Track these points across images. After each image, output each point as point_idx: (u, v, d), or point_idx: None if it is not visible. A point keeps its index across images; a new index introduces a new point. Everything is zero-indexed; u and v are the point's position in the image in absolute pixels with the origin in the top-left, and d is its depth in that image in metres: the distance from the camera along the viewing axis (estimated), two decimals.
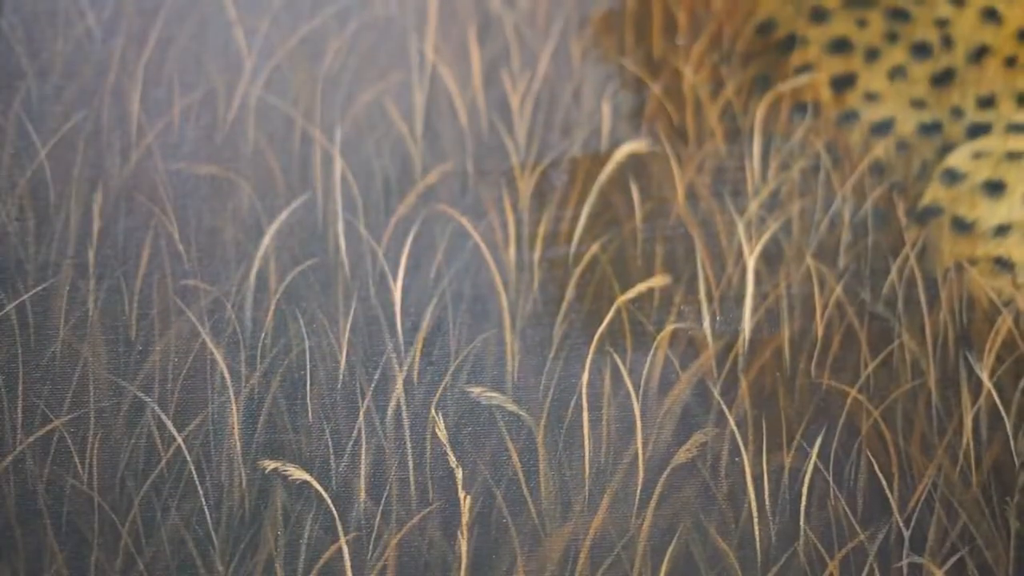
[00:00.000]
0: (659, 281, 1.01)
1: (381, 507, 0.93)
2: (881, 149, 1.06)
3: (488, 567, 0.91)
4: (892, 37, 1.10)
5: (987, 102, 1.07)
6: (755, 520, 0.92)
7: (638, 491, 0.93)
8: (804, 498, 0.93)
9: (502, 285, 1.01)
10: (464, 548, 0.91)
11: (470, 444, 0.95)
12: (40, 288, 0.99)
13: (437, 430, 0.96)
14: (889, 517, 0.92)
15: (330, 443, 0.95)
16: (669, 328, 0.99)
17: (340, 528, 0.92)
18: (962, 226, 1.03)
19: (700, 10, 1.12)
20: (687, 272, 1.01)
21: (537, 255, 1.02)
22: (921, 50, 1.09)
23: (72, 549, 0.90)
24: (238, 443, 0.94)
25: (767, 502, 0.93)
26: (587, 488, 0.93)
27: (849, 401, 0.96)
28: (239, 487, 0.92)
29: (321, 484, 0.93)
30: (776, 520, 0.92)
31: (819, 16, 1.11)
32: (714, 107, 1.08)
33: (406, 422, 0.96)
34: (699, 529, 0.92)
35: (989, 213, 1.03)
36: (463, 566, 0.91)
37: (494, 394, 0.97)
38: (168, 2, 1.12)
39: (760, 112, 1.07)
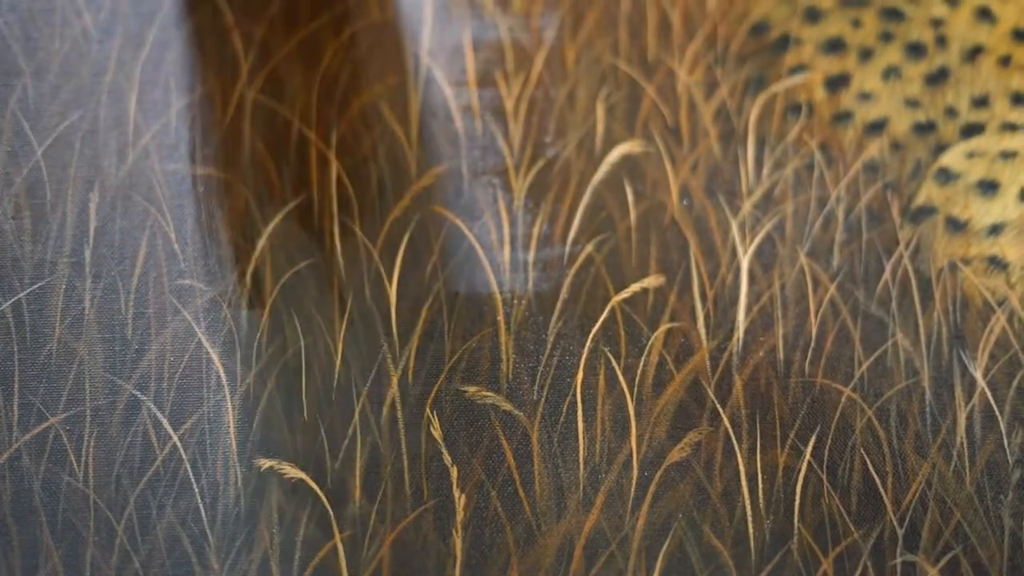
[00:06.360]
0: (653, 281, 1.01)
1: (376, 505, 0.93)
2: (875, 149, 1.06)
3: (483, 565, 0.91)
4: (886, 37, 1.10)
5: (981, 102, 1.08)
6: (749, 519, 0.92)
7: (632, 490, 0.93)
8: (798, 497, 0.93)
9: (496, 286, 1.01)
10: (459, 546, 0.91)
11: (465, 443, 0.95)
12: (36, 286, 0.99)
13: (432, 429, 0.96)
14: (883, 515, 0.92)
15: (325, 442, 0.95)
16: (663, 328, 0.99)
17: (335, 526, 0.92)
18: (956, 225, 1.03)
19: (694, 11, 1.12)
20: (681, 272, 1.02)
21: (531, 256, 1.02)
22: (915, 50, 1.10)
23: (68, 546, 0.90)
24: (233, 442, 0.94)
25: (761, 501, 0.93)
26: (581, 487, 0.93)
27: (843, 400, 0.96)
28: (234, 485, 0.92)
29: (316, 482, 0.93)
30: (770, 518, 0.92)
31: (813, 16, 1.11)
32: (708, 108, 1.08)
33: (401, 421, 0.96)
34: (693, 527, 0.92)
35: (983, 212, 1.03)
36: (458, 564, 0.91)
37: (488, 393, 0.97)
38: (165, 5, 1.13)
39: (754, 112, 1.08)
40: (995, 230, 1.02)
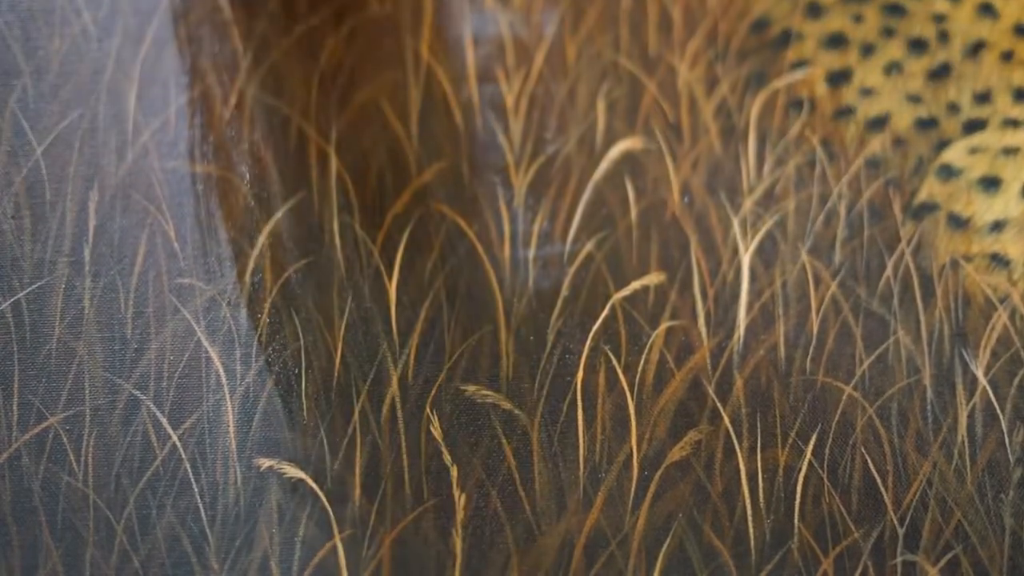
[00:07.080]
0: (654, 279, 1.01)
1: (376, 505, 0.93)
2: (877, 145, 1.06)
3: (483, 565, 0.91)
4: (888, 32, 1.10)
5: (983, 97, 1.07)
6: (749, 518, 0.92)
7: (632, 489, 0.93)
8: (798, 496, 0.93)
9: (497, 283, 1.01)
10: (459, 546, 0.91)
11: (465, 442, 0.95)
12: (36, 285, 1.00)
13: (432, 428, 0.96)
14: (884, 515, 0.92)
15: (325, 441, 0.95)
16: (664, 326, 0.99)
17: (335, 526, 0.92)
18: (958, 222, 1.03)
19: (695, 7, 1.12)
20: (682, 270, 1.01)
21: (532, 253, 1.02)
22: (917, 45, 1.09)
23: (67, 546, 0.90)
24: (233, 441, 0.94)
25: (761, 500, 0.93)
26: (581, 486, 0.93)
27: (844, 398, 0.96)
28: (234, 485, 0.92)
29: (316, 482, 0.93)
30: (770, 518, 0.92)
31: (815, 12, 1.11)
32: (709, 104, 1.08)
33: (401, 420, 0.96)
34: (693, 527, 0.92)
35: (985, 209, 1.03)
36: (458, 564, 0.91)
37: (489, 392, 0.97)
38: (164, 2, 1.13)
39: (755, 108, 1.07)
40: (997, 227, 1.02)
